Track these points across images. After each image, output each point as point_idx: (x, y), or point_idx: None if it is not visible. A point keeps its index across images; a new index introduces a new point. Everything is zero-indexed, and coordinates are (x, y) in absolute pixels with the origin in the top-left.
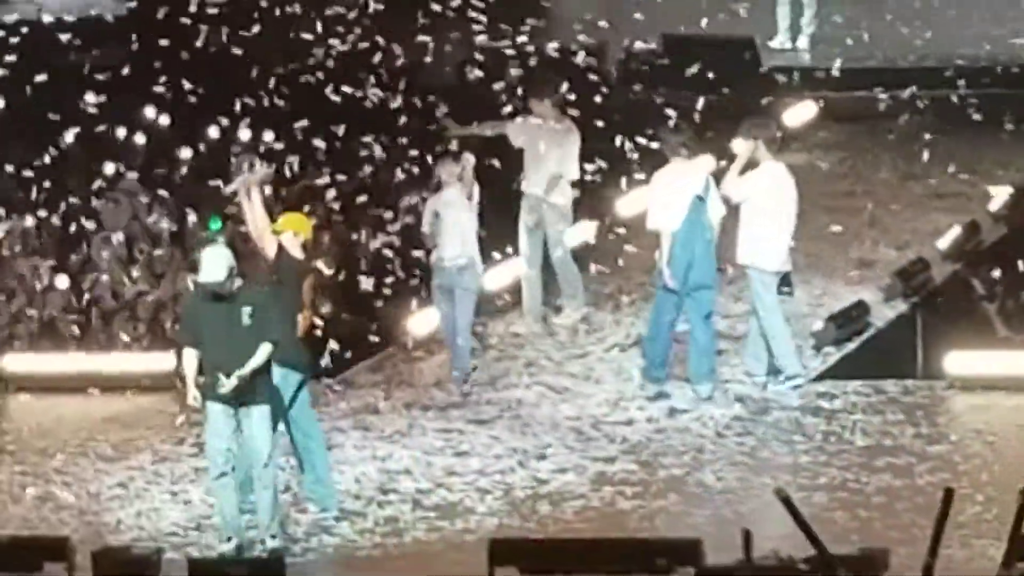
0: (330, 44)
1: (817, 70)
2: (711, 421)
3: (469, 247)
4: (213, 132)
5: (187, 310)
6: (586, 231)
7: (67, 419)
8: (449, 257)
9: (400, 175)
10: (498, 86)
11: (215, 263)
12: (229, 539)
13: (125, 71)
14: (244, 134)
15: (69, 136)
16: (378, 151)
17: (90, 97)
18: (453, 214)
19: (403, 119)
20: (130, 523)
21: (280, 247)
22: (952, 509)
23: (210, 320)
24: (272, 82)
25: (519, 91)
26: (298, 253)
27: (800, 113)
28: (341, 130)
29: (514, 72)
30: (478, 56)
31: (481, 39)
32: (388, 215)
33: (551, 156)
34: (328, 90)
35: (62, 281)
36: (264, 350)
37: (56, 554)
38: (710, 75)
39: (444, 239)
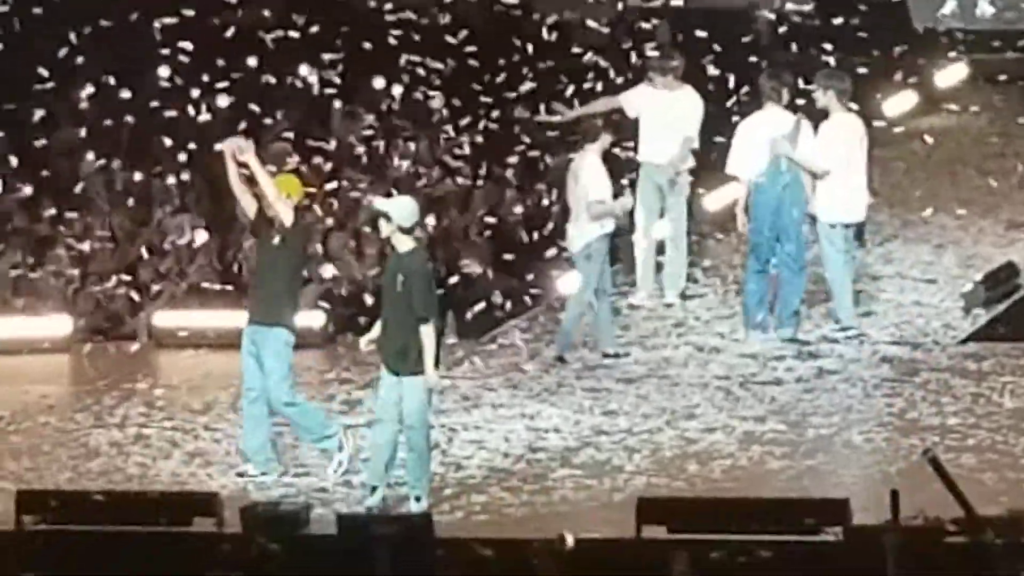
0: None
1: (969, 31)
2: (860, 382)
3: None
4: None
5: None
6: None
7: (216, 375)
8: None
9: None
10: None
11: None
12: (374, 489)
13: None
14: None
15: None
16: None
17: (251, 59)
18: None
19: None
20: (279, 479)
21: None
22: None
23: (384, 278)
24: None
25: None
26: (290, 216)
27: (951, 74)
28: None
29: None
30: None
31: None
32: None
33: (674, 124)
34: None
35: (204, 237)
36: (427, 333)
37: (205, 509)
38: (862, 36)
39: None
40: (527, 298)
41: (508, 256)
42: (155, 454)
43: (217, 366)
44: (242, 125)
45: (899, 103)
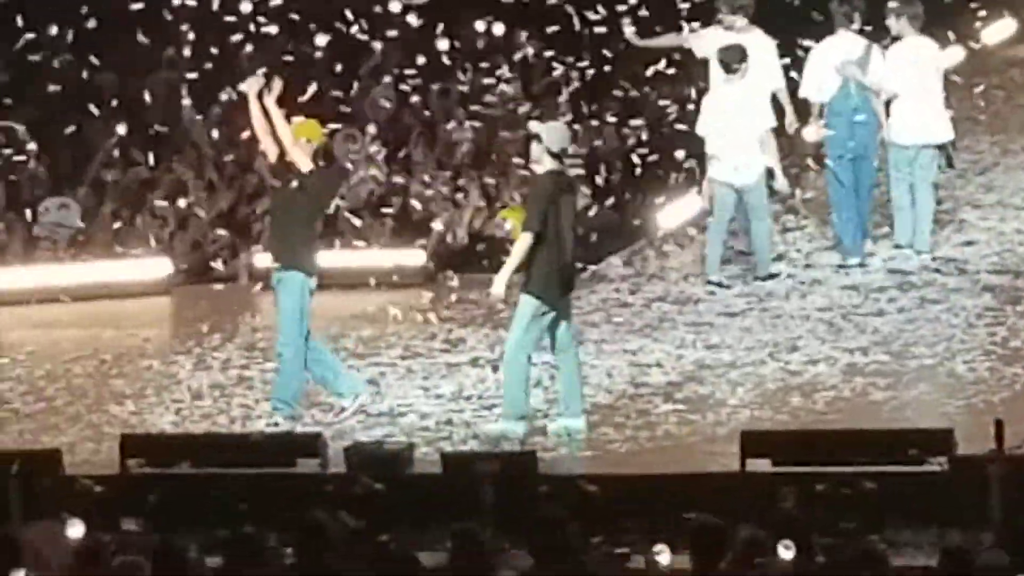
0: None
1: None
2: (962, 312)
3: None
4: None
5: None
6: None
7: (317, 316)
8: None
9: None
10: None
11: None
12: (522, 418)
13: None
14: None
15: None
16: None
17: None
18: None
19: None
20: (382, 419)
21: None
22: None
23: None
24: None
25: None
26: (306, 162)
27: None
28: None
29: None
30: None
31: None
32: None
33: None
34: None
35: None
36: (521, 241)
37: (309, 450)
38: None
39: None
40: (628, 232)
41: (607, 188)
42: (258, 395)
43: (318, 307)
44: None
45: (998, 31)
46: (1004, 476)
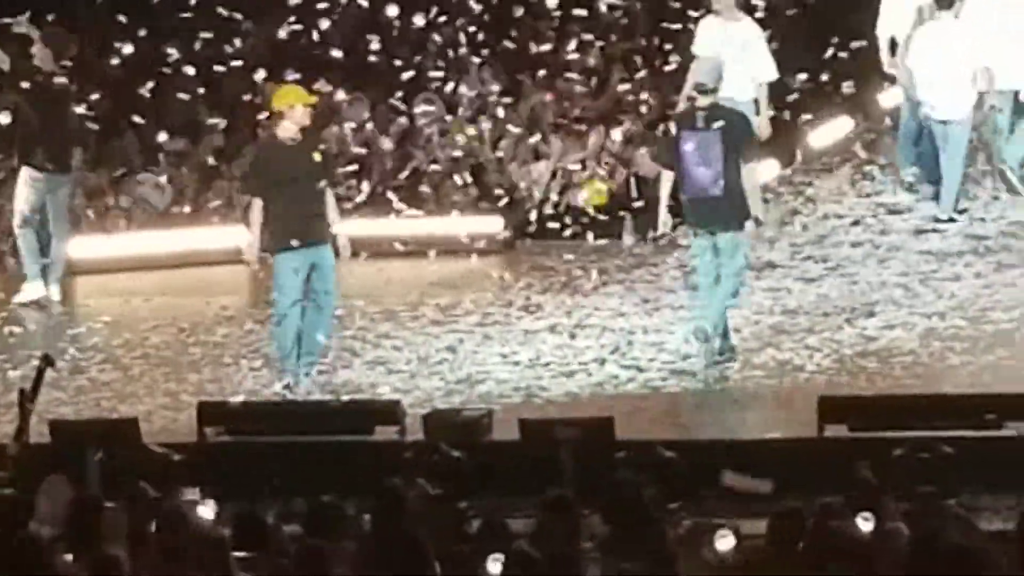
0: None
1: None
2: None
3: None
4: None
5: None
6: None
7: (395, 283)
8: None
9: None
10: None
11: None
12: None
13: None
14: None
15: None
16: None
17: None
18: None
19: None
20: (460, 386)
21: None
22: None
23: None
24: None
25: None
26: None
27: None
28: None
29: None
30: None
31: None
32: None
33: (734, 58)
34: None
35: (388, 144)
36: None
37: (387, 417)
38: None
39: None
40: None
41: None
42: (335, 363)
43: (396, 274)
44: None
45: None
46: None
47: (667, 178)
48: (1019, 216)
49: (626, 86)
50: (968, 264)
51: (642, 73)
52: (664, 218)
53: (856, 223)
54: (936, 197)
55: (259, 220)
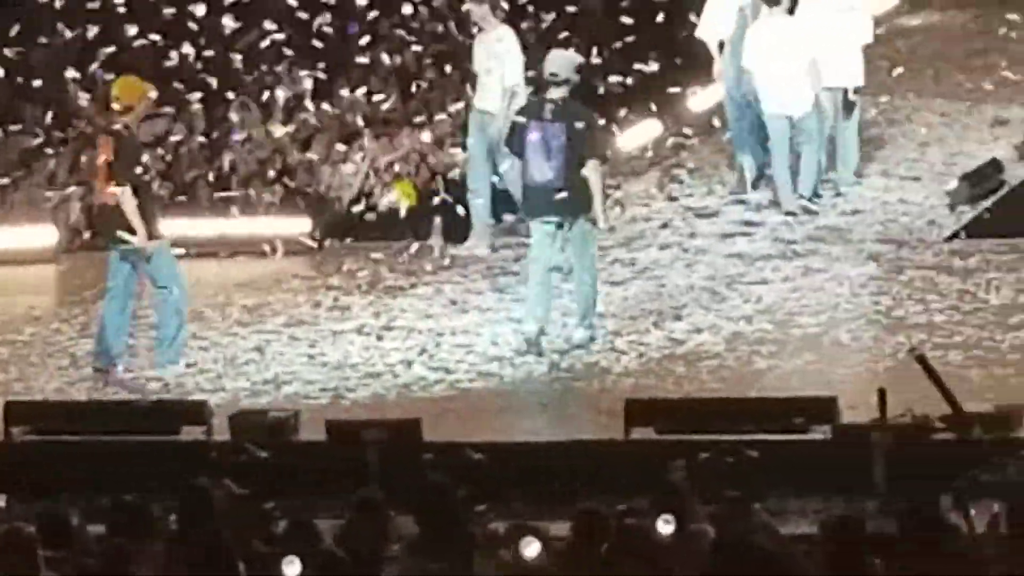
0: None
1: None
2: (846, 280)
3: None
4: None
5: None
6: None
7: (203, 283)
8: None
9: None
10: None
11: None
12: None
13: None
14: None
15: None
16: None
17: None
18: None
19: None
20: (267, 387)
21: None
22: None
23: None
24: None
25: None
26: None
27: None
28: None
29: None
30: None
31: None
32: None
33: (493, 69)
34: None
35: (196, 144)
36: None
37: (194, 418)
38: None
39: None
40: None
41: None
42: (142, 363)
43: (204, 274)
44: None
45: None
46: (887, 444)
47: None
48: (827, 220)
49: (436, 88)
50: (776, 268)
51: (453, 75)
52: None
53: (664, 226)
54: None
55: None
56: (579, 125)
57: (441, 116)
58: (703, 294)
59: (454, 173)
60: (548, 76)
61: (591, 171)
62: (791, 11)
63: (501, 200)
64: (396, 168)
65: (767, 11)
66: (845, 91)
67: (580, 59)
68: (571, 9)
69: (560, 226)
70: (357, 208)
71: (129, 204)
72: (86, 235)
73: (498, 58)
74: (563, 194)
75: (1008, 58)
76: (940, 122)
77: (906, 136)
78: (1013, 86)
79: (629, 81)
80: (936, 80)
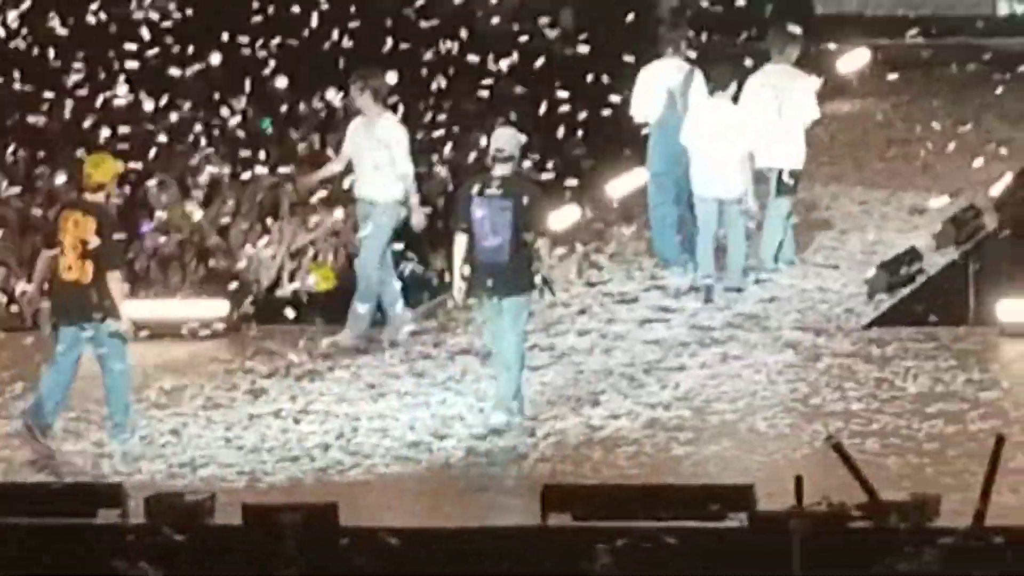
0: None
1: (871, 17)
2: (763, 368)
3: None
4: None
5: None
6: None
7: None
8: None
9: None
10: None
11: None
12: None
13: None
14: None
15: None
16: None
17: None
18: None
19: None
20: (183, 470)
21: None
22: (1003, 456)
23: None
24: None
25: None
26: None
27: (854, 59)
28: None
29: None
30: None
31: None
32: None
33: (379, 157)
34: None
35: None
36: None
37: (109, 500)
38: (763, 20)
39: None
40: (433, 284)
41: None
42: (58, 444)
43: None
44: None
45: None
46: (804, 532)
47: (459, 241)
48: (745, 308)
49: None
50: (693, 354)
51: None
52: (459, 284)
53: (583, 312)
54: (695, 272)
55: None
56: (525, 200)
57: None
58: (621, 380)
59: None
60: (494, 152)
61: (542, 245)
62: (735, 99)
63: (415, 286)
64: (313, 251)
65: (709, 94)
66: (780, 173)
67: (524, 136)
68: (485, 93)
69: (501, 301)
70: (275, 291)
71: (118, 288)
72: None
73: (386, 148)
74: (509, 269)
75: (927, 147)
76: (859, 210)
77: (825, 223)
78: (932, 175)
79: (549, 165)
80: (856, 168)
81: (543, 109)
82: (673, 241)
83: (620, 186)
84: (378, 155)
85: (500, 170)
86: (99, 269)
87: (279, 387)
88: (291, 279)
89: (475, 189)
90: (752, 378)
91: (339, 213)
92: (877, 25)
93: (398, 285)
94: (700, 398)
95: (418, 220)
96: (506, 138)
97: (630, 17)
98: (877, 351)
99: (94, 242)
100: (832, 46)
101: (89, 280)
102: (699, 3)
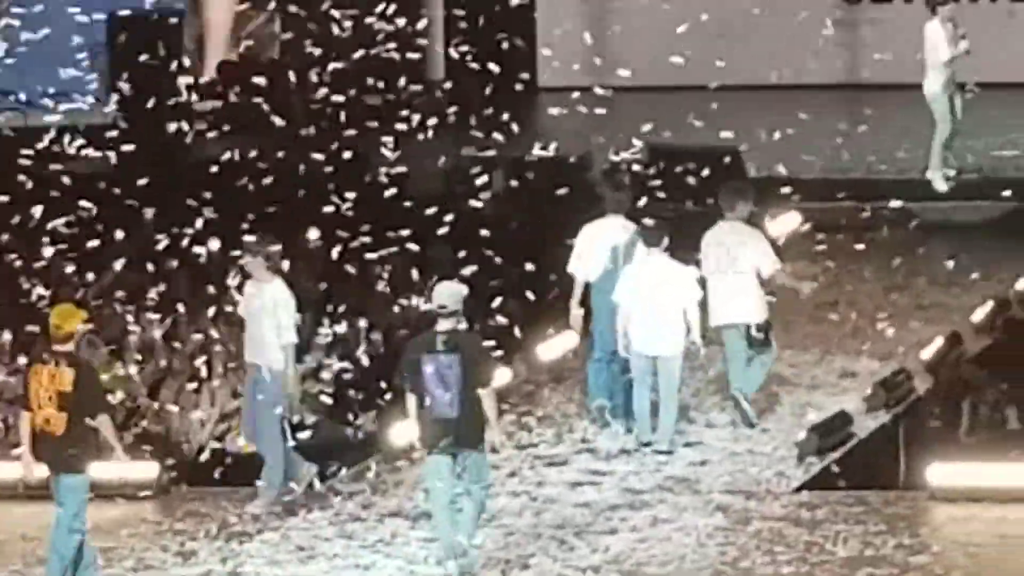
0: None
1: (801, 180)
2: (694, 531)
3: None
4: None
5: None
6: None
7: (47, 527)
8: None
9: None
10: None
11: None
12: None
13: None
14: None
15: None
16: None
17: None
18: None
19: None
20: None
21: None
22: None
23: None
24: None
25: None
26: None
27: (784, 223)
28: None
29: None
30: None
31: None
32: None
33: (266, 327)
34: None
35: None
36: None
37: None
38: (694, 184)
39: None
40: (361, 447)
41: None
42: None
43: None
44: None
45: None
46: None
47: (411, 400)
48: (675, 470)
49: None
50: (624, 518)
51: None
52: (419, 441)
53: (513, 474)
54: (629, 431)
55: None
56: (470, 354)
57: None
58: (551, 543)
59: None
60: (437, 309)
61: (487, 397)
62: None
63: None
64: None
65: (646, 251)
66: (748, 328)
67: (465, 289)
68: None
69: (455, 457)
70: (204, 453)
71: (111, 431)
72: None
73: (272, 314)
74: (461, 425)
75: (857, 311)
76: (790, 373)
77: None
78: (862, 338)
79: (478, 328)
80: (786, 331)
81: (474, 269)
82: (608, 392)
83: (551, 348)
84: (266, 322)
85: (444, 325)
86: (73, 419)
87: (209, 548)
88: (220, 441)
89: (421, 347)
90: (682, 541)
91: None
92: (807, 188)
93: (286, 450)
94: (630, 561)
95: (293, 390)
96: (448, 293)
97: (560, 181)
98: (807, 514)
99: (71, 393)
100: (762, 209)
101: (63, 431)
102: (631, 166)
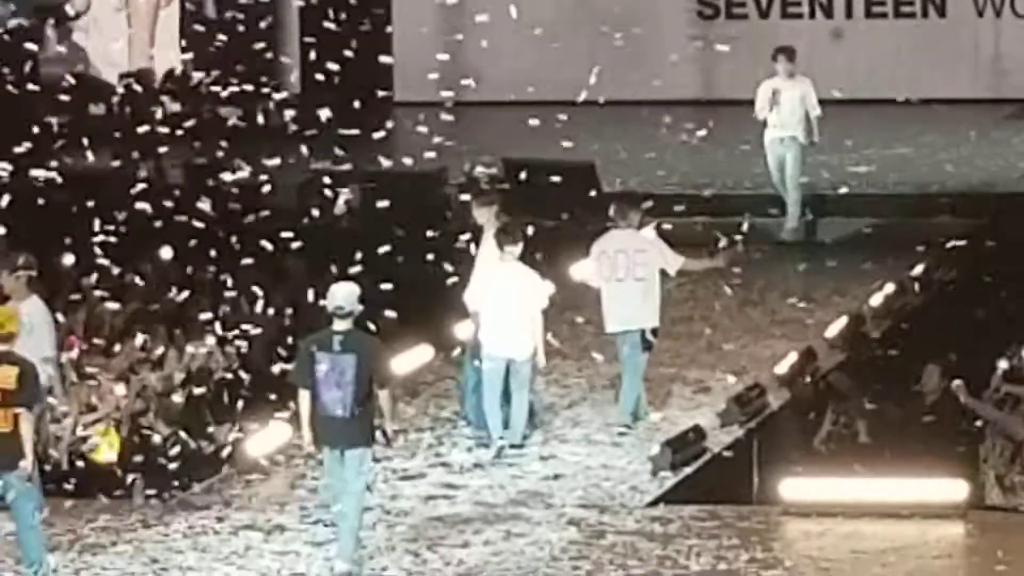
0: None
1: (656, 195)
2: (547, 545)
3: None
4: None
5: None
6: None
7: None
8: None
9: None
10: None
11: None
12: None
13: None
14: None
15: None
16: None
17: None
18: None
19: None
20: None
21: None
22: None
23: None
24: None
25: None
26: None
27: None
28: None
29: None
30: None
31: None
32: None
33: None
34: None
35: None
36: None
37: None
38: (550, 199)
39: None
40: (212, 458)
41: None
42: None
43: None
44: None
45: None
46: None
47: (304, 397)
48: (529, 485)
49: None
50: (477, 531)
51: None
52: (308, 437)
53: (367, 488)
54: (484, 446)
55: None
56: (367, 354)
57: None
58: (404, 556)
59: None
60: (334, 309)
61: (384, 398)
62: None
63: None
64: (103, 423)
65: (499, 255)
66: (643, 332)
67: (359, 290)
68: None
69: (343, 453)
70: (60, 463)
71: (28, 428)
72: None
73: (29, 333)
74: (352, 424)
75: (712, 326)
76: (644, 387)
77: (609, 402)
78: (716, 353)
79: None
80: None
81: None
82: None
83: (405, 363)
84: (28, 341)
85: (340, 325)
86: (16, 416)
87: (62, 560)
88: (78, 453)
89: (316, 345)
90: (535, 555)
91: (121, 389)
92: (662, 204)
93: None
94: (484, 575)
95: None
96: (344, 294)
97: (416, 195)
98: (660, 529)
99: (14, 390)
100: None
101: (11, 429)
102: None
